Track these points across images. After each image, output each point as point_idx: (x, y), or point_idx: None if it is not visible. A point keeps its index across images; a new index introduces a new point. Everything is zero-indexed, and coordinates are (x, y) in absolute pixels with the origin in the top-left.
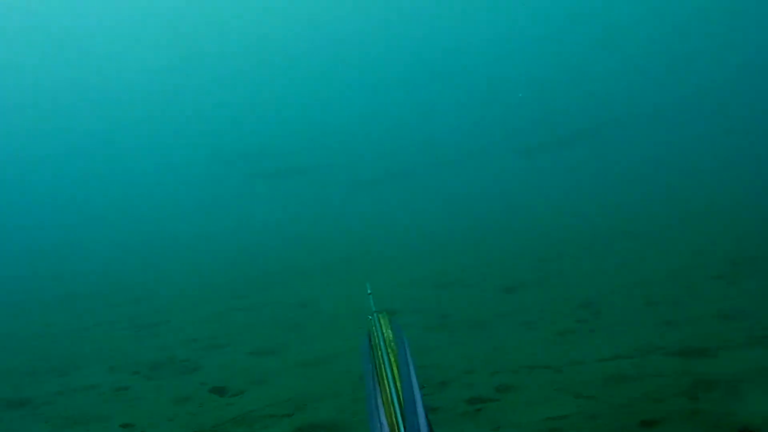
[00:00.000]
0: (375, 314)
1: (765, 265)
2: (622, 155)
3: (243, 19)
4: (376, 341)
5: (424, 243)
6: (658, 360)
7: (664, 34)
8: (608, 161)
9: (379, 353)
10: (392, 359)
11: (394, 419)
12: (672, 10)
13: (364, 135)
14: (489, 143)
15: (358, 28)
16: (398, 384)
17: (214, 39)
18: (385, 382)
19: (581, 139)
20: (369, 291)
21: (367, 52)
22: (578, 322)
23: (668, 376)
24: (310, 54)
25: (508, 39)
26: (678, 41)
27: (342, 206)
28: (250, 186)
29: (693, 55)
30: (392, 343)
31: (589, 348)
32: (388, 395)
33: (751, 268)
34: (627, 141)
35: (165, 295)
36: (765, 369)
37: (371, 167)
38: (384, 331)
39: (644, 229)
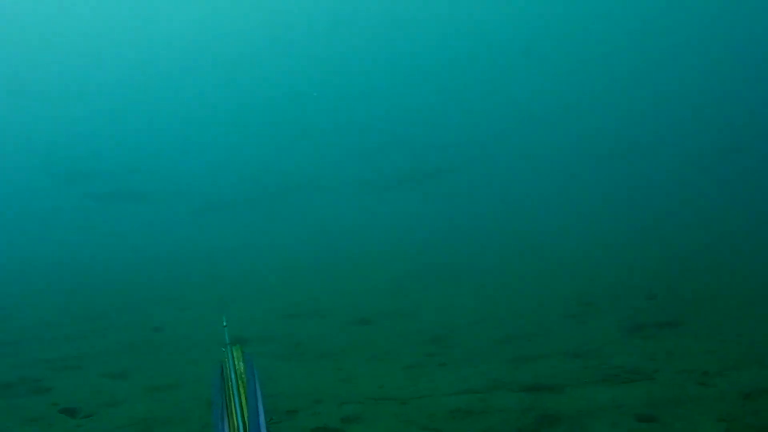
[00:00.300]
0: (228, 346)
1: (613, 307)
2: (476, 192)
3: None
4: (228, 372)
5: (278, 272)
6: (504, 395)
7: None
8: (461, 197)
9: (230, 384)
10: (242, 391)
11: None
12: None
13: (217, 159)
14: (344, 176)
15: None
16: (245, 414)
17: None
18: (233, 412)
19: (434, 176)
20: (224, 323)
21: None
22: (427, 356)
23: (513, 411)
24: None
25: (367, 72)
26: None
27: (193, 231)
28: (93, 207)
29: (536, 95)
30: (243, 375)
31: (437, 382)
32: (235, 424)
33: (600, 309)
34: (480, 179)
35: (17, 316)
36: (609, 406)
37: (220, 191)
38: (236, 363)
39: (496, 266)
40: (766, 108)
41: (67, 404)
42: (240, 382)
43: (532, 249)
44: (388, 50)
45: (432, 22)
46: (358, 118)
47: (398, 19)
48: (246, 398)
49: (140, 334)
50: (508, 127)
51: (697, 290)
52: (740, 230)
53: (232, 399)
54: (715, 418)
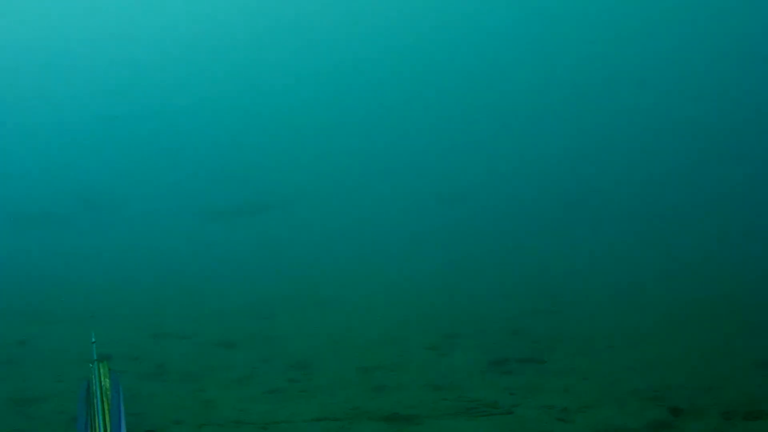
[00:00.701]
0: (96, 363)
1: (475, 340)
2: (326, 221)
3: None
4: (94, 389)
5: (143, 290)
6: (364, 424)
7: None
8: (309, 226)
9: (95, 400)
10: (106, 407)
11: None
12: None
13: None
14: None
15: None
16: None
17: None
18: (96, 428)
19: (278, 206)
20: (93, 340)
21: None
22: (290, 382)
23: None
24: None
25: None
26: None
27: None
28: None
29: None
30: (108, 392)
31: (297, 407)
32: None
33: (463, 341)
34: (319, 211)
35: None
36: None
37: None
38: (102, 380)
39: (355, 296)
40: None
41: None
42: (104, 399)
43: (393, 281)
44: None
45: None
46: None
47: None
48: (109, 415)
49: (3, 347)
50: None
51: (560, 326)
52: (603, 266)
53: (96, 416)
54: None
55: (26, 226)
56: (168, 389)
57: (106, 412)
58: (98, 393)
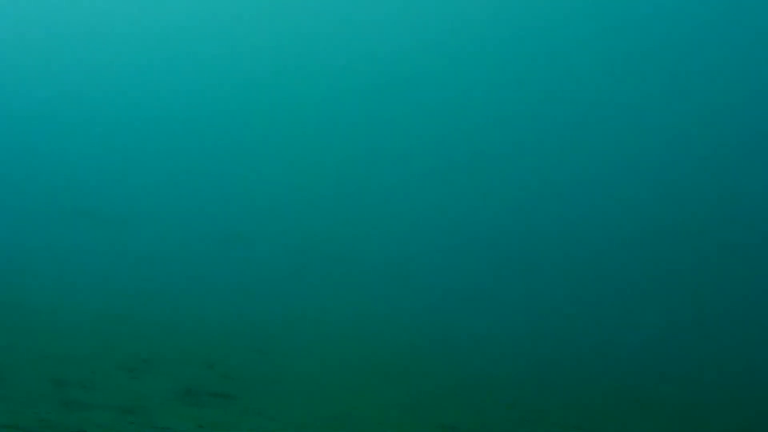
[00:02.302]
0: None
1: (170, 369)
2: None
3: None
4: None
5: None
6: None
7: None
8: None
9: None
10: None
11: None
12: None
13: None
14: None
15: None
16: None
17: None
18: None
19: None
20: None
21: None
22: None
23: None
24: None
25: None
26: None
27: None
28: None
29: None
30: None
31: None
32: None
33: (157, 368)
34: None
35: None
36: None
37: None
38: None
39: (55, 306)
40: None
41: None
42: None
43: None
44: None
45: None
46: None
47: None
48: None
49: None
50: None
51: (261, 366)
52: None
53: None
54: None
55: None
56: None
57: None
58: None
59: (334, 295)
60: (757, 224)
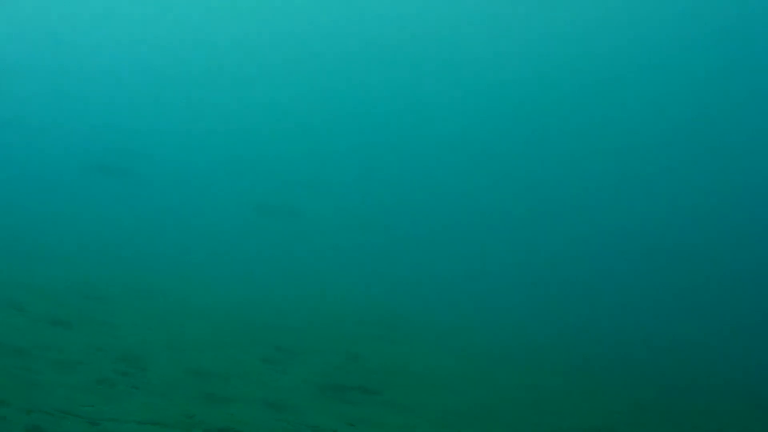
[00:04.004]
0: None
1: (311, 359)
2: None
3: None
4: None
5: None
6: None
7: None
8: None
9: None
10: None
11: None
12: None
13: None
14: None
15: None
16: None
17: None
18: None
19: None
20: None
21: None
22: (120, 375)
23: None
24: None
25: None
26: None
27: None
28: None
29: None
30: None
31: (129, 405)
32: None
33: (300, 360)
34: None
35: None
36: None
37: None
38: None
39: (192, 292)
40: None
41: None
42: None
43: (232, 286)
44: None
45: None
46: None
47: None
48: None
49: None
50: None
51: (400, 357)
52: (446, 294)
53: None
54: None
55: None
56: None
57: None
58: None
59: (479, 289)
60: None
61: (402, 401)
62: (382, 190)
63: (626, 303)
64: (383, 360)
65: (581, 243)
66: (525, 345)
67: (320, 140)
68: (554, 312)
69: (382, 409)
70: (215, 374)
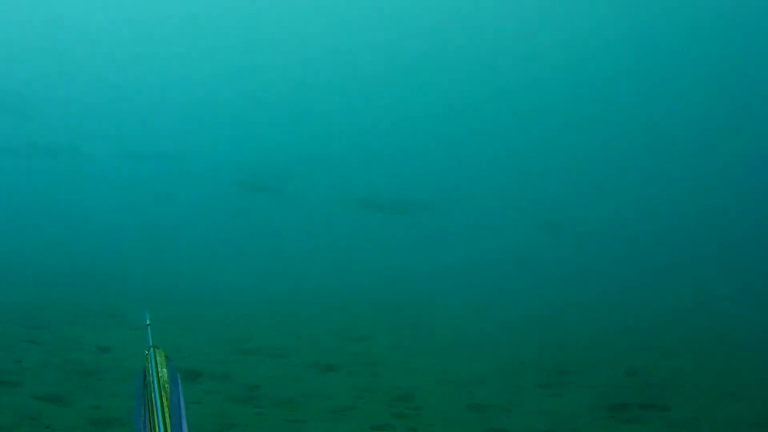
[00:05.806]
0: (152, 349)
1: (590, 380)
2: (461, 230)
3: None
4: (150, 379)
5: (221, 303)
6: None
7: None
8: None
9: (153, 394)
10: (165, 402)
11: None
12: None
13: None
14: None
15: None
16: (168, 428)
17: None
18: (156, 426)
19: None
20: (148, 321)
21: None
22: (397, 418)
23: None
24: None
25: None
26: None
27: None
28: None
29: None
30: (166, 385)
31: None
32: None
33: (576, 381)
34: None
35: None
36: None
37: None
38: (159, 369)
39: (466, 329)
40: None
41: None
42: (163, 392)
43: (503, 317)
44: None
45: None
46: None
47: None
48: (169, 412)
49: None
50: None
51: (682, 369)
52: (729, 299)
53: (154, 412)
54: None
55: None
56: (263, 415)
57: (165, 408)
58: (155, 385)
59: None
60: None
61: (692, 416)
62: None
63: None
64: (663, 373)
65: None
66: None
67: None
68: None
69: (670, 427)
70: (491, 407)
